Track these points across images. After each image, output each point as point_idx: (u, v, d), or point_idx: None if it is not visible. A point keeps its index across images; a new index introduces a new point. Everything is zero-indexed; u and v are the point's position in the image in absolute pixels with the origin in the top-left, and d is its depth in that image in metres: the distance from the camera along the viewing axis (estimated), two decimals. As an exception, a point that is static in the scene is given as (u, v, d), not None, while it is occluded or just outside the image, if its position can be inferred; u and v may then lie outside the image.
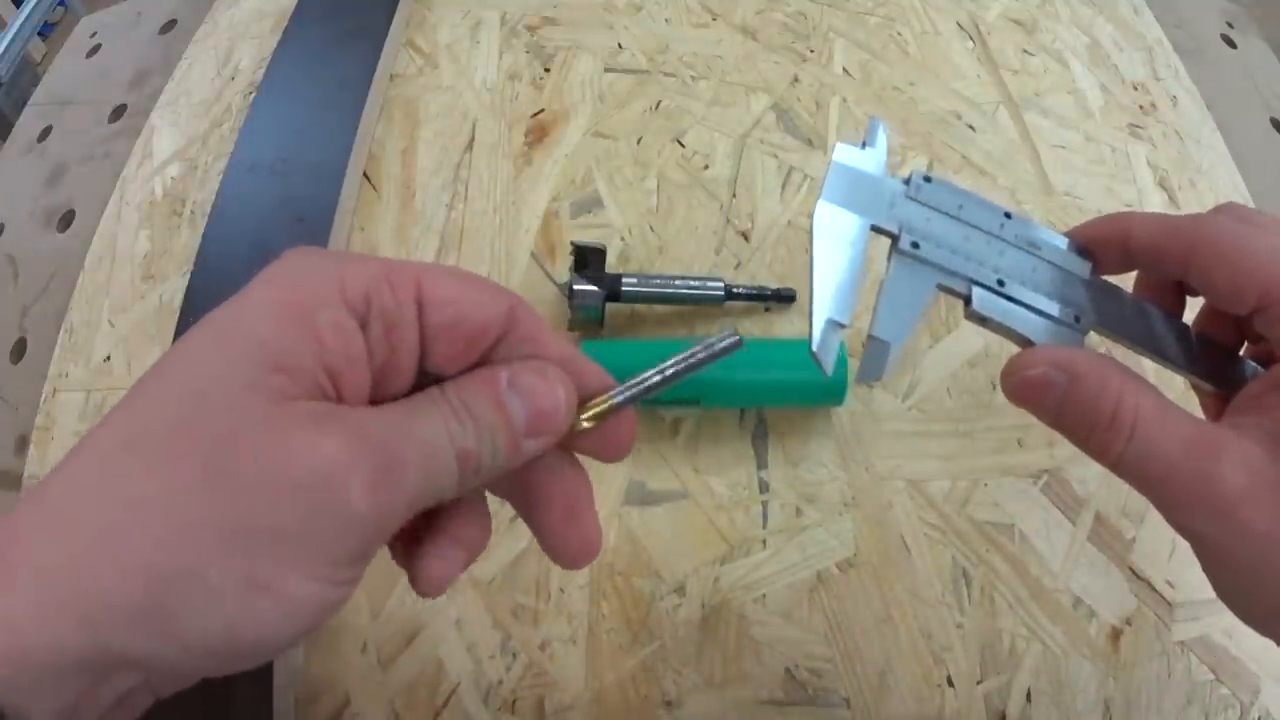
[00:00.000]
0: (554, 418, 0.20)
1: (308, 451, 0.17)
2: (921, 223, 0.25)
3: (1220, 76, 0.56)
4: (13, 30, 1.02)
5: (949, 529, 0.37)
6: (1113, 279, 0.26)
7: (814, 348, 0.23)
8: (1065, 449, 0.39)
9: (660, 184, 0.46)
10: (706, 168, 0.47)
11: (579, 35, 0.52)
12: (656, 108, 0.49)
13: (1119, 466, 0.22)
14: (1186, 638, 0.35)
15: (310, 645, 0.35)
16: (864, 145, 0.26)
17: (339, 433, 0.17)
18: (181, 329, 0.41)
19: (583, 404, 0.22)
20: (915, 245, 0.24)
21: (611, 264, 0.42)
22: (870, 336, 0.23)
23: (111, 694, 0.17)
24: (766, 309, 0.42)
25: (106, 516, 0.16)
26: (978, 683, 0.34)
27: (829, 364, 0.23)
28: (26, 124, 0.57)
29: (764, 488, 0.38)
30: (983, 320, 0.24)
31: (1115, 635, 0.35)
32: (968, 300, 0.24)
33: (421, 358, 0.20)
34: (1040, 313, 0.24)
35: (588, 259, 0.39)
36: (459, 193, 0.46)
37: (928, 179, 0.25)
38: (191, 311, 0.41)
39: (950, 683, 0.34)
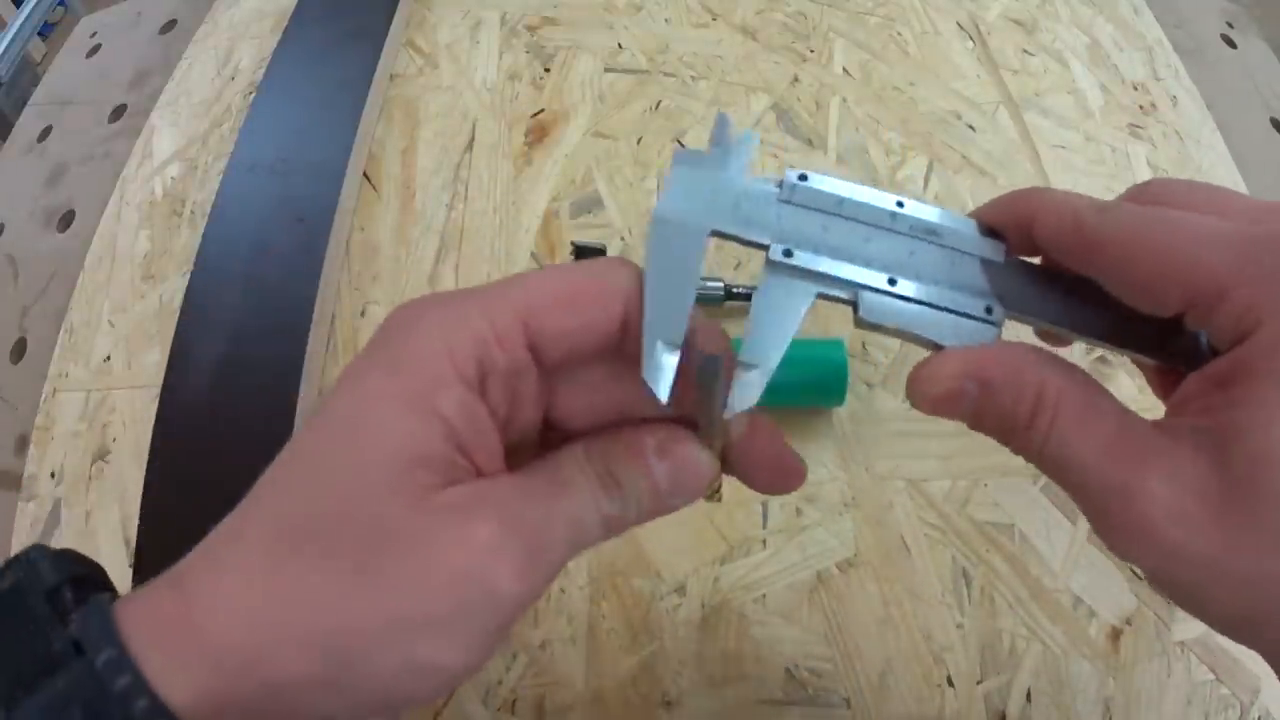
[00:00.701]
0: (699, 479, 0.21)
1: (457, 547, 0.18)
2: (798, 226, 0.22)
3: (1220, 76, 0.56)
4: (13, 30, 1.02)
5: (949, 529, 0.37)
6: None
7: (643, 373, 0.20)
8: (1065, 449, 0.39)
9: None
10: (706, 168, 0.47)
11: (579, 35, 0.52)
12: (656, 108, 0.49)
13: (1044, 468, 0.20)
14: (1186, 638, 0.35)
15: (310, 645, 0.35)
16: (711, 146, 0.23)
17: (485, 521, 0.18)
18: (182, 329, 0.41)
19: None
20: (788, 253, 0.22)
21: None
22: (738, 361, 0.21)
23: None
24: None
25: (280, 606, 0.18)
26: (978, 683, 0.34)
27: (661, 389, 0.20)
28: (26, 124, 0.57)
29: (764, 488, 0.38)
30: (875, 327, 0.22)
31: (1115, 635, 0.35)
32: (855, 307, 0.22)
33: (551, 391, 0.21)
34: (943, 309, 0.22)
35: (588, 259, 0.39)
36: (459, 193, 0.46)
37: (803, 177, 0.23)
38: (191, 311, 0.41)
39: (950, 683, 0.34)
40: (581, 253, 0.39)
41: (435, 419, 0.18)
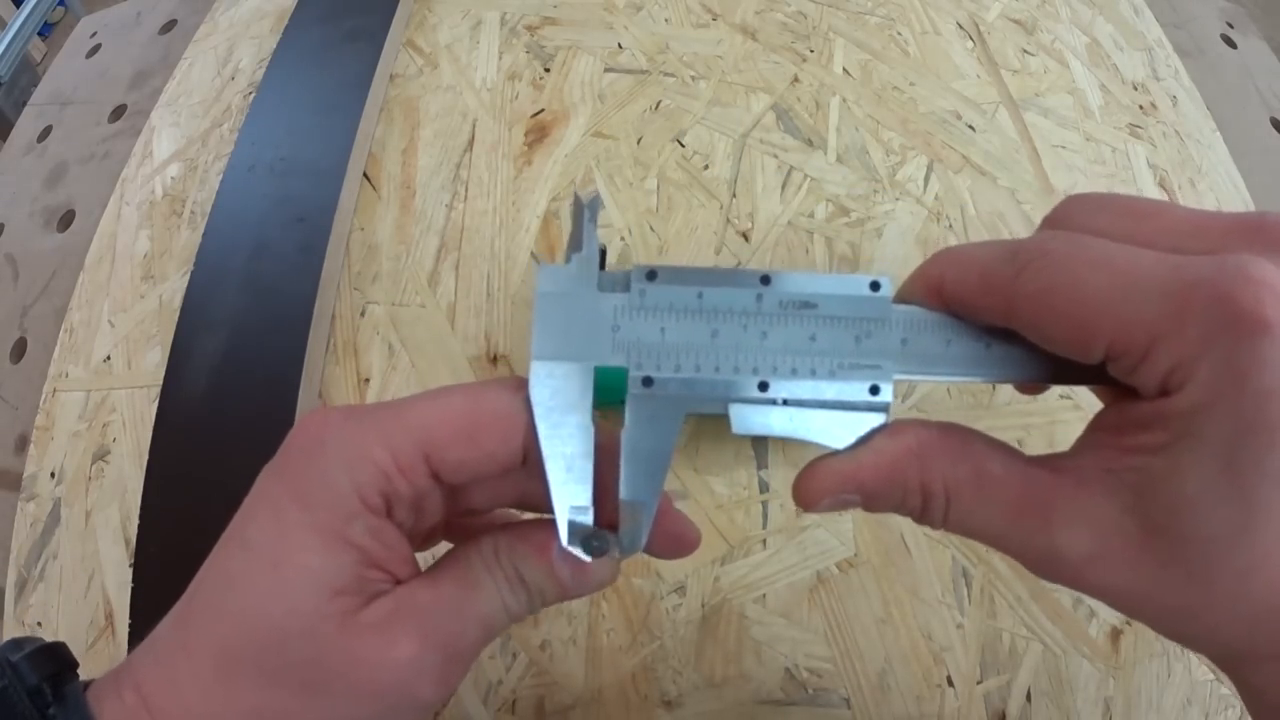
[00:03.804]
0: (601, 575, 0.22)
1: (383, 668, 0.20)
2: (655, 336, 0.20)
3: (1220, 76, 0.56)
4: (13, 30, 1.02)
5: (949, 529, 0.37)
6: None
7: (564, 545, 0.19)
8: (1066, 449, 0.39)
9: (660, 184, 0.46)
10: (706, 168, 0.47)
11: (579, 35, 0.52)
12: (656, 108, 0.49)
13: (955, 532, 0.20)
14: (1186, 638, 0.35)
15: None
16: (569, 255, 0.21)
17: (406, 638, 0.20)
18: (182, 329, 0.41)
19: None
20: (647, 382, 0.20)
21: (611, 264, 0.42)
22: (621, 502, 0.20)
23: None
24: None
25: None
26: (978, 683, 0.34)
27: (585, 560, 0.20)
28: (26, 124, 0.57)
29: (764, 488, 0.38)
30: (756, 438, 0.21)
31: (1115, 635, 0.35)
32: (729, 420, 0.20)
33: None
34: (822, 405, 0.20)
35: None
36: (459, 193, 0.46)
37: (651, 274, 0.20)
38: (191, 311, 0.41)
39: (950, 683, 0.34)
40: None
41: (350, 550, 0.20)
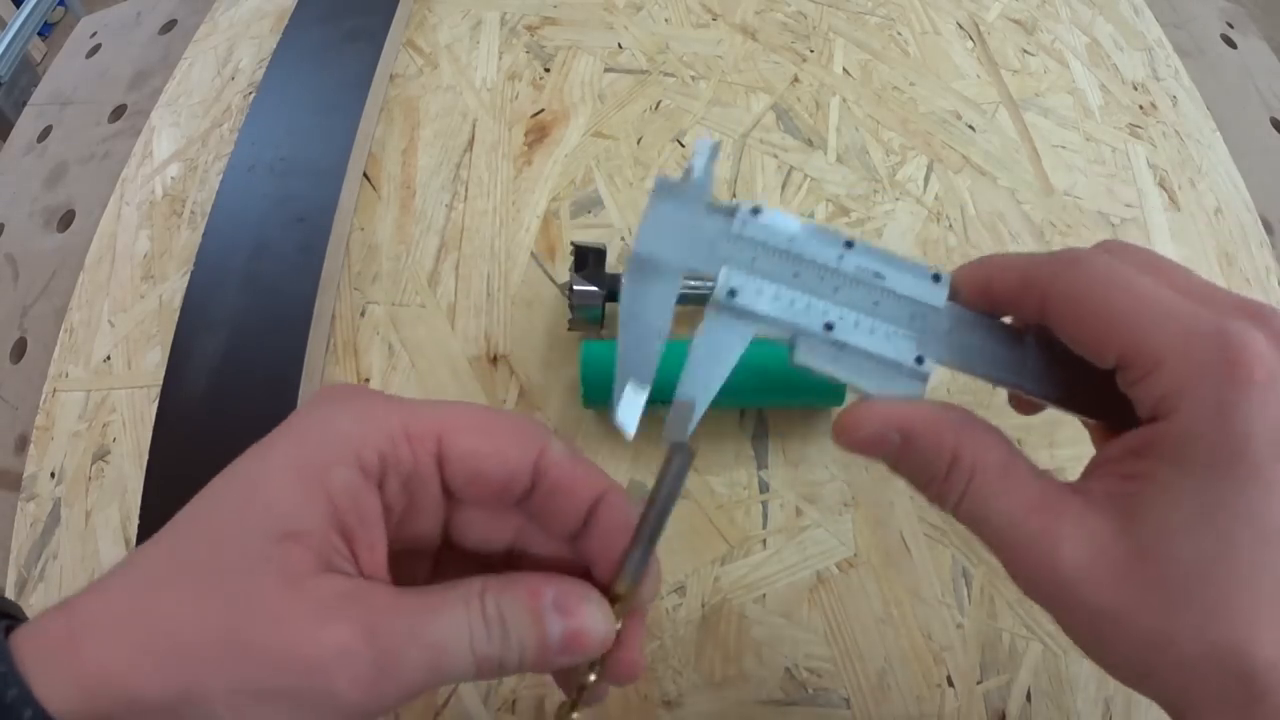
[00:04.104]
0: (591, 642, 0.20)
1: (308, 641, 0.18)
2: (746, 262, 0.22)
3: (1220, 76, 0.56)
4: (13, 30, 1.02)
5: (949, 529, 0.37)
6: None
7: (614, 412, 0.21)
8: (1065, 449, 0.39)
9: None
10: (706, 168, 0.47)
11: (579, 35, 0.52)
12: (656, 108, 0.49)
13: (962, 522, 0.21)
14: (1186, 638, 0.35)
15: (310, 645, 0.35)
16: (686, 175, 0.23)
17: (342, 624, 0.18)
18: (182, 329, 0.41)
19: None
20: (732, 294, 0.22)
21: (611, 264, 0.42)
22: (675, 400, 0.21)
23: None
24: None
25: (144, 626, 0.19)
26: (978, 683, 0.34)
27: (629, 429, 0.20)
28: (26, 124, 0.57)
29: (764, 488, 0.38)
30: (808, 370, 0.22)
31: (1115, 635, 0.35)
32: (792, 349, 0.22)
33: (452, 508, 0.21)
34: (875, 357, 0.22)
35: (588, 259, 0.39)
36: (459, 193, 0.46)
37: (756, 210, 0.22)
38: (191, 311, 0.41)
39: (950, 683, 0.34)
40: (582, 252, 0.39)
41: (320, 495, 0.19)
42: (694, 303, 0.41)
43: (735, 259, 0.22)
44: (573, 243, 0.39)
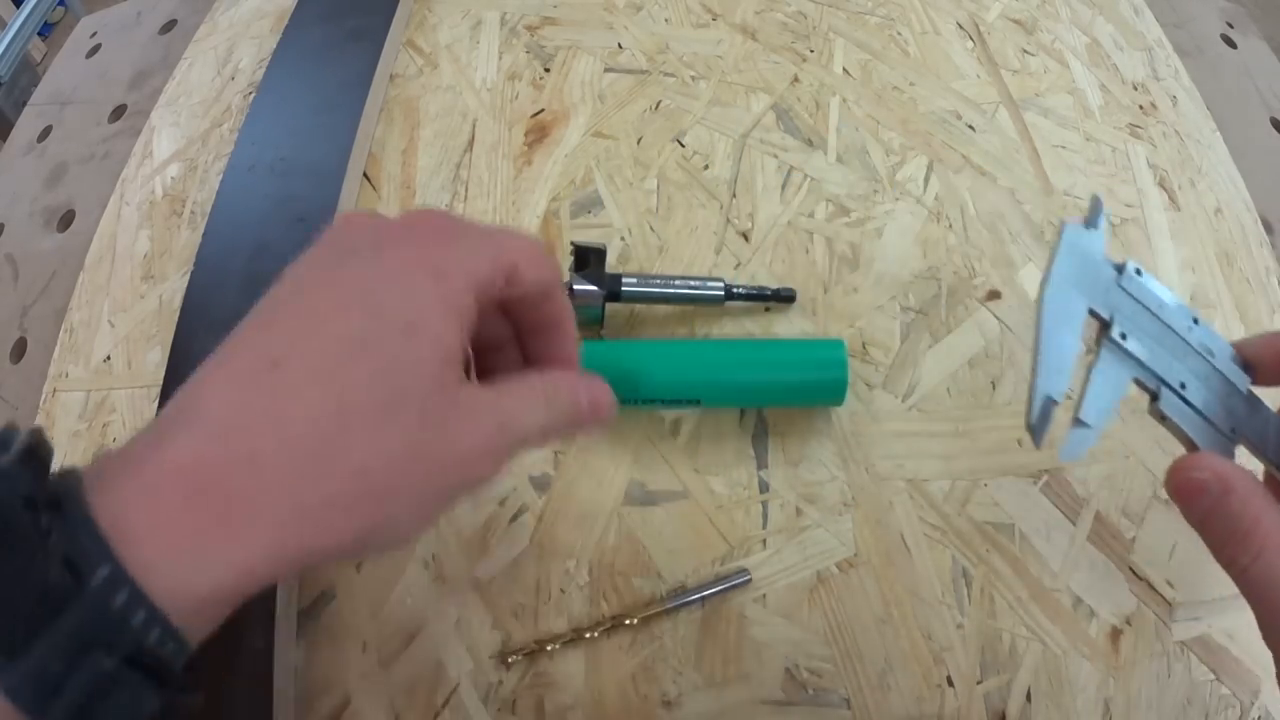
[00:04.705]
0: (607, 409, 0.28)
1: (471, 446, 0.23)
2: (1129, 313, 0.26)
3: (1220, 76, 0.56)
4: (13, 30, 1.02)
5: (949, 529, 0.37)
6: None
7: (1031, 421, 0.24)
8: (1065, 449, 0.39)
9: (660, 184, 0.46)
10: (706, 168, 0.47)
11: (579, 35, 0.52)
12: (656, 108, 0.49)
13: (1241, 582, 0.24)
14: (1186, 638, 0.35)
15: (310, 645, 0.35)
16: (1087, 225, 0.27)
17: (489, 426, 0.23)
18: (182, 329, 0.41)
19: None
20: (1123, 336, 0.25)
21: (611, 264, 0.42)
22: (1076, 420, 0.25)
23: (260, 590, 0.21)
24: (767, 309, 0.42)
25: (335, 482, 0.20)
26: (978, 683, 0.34)
27: (1044, 438, 0.23)
28: (26, 124, 0.57)
29: (764, 488, 0.38)
30: (1162, 419, 0.26)
31: (1115, 635, 0.35)
32: (1154, 398, 0.26)
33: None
34: (1207, 420, 0.26)
35: (588, 259, 0.39)
36: (459, 193, 0.46)
37: (1139, 271, 0.27)
38: (191, 311, 0.41)
39: (950, 683, 0.34)
40: (582, 252, 0.39)
41: (460, 324, 0.23)
42: (685, 302, 0.41)
43: (1122, 309, 0.26)
44: (573, 242, 0.39)
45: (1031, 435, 0.23)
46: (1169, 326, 0.26)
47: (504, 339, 0.29)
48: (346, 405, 0.21)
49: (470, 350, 0.26)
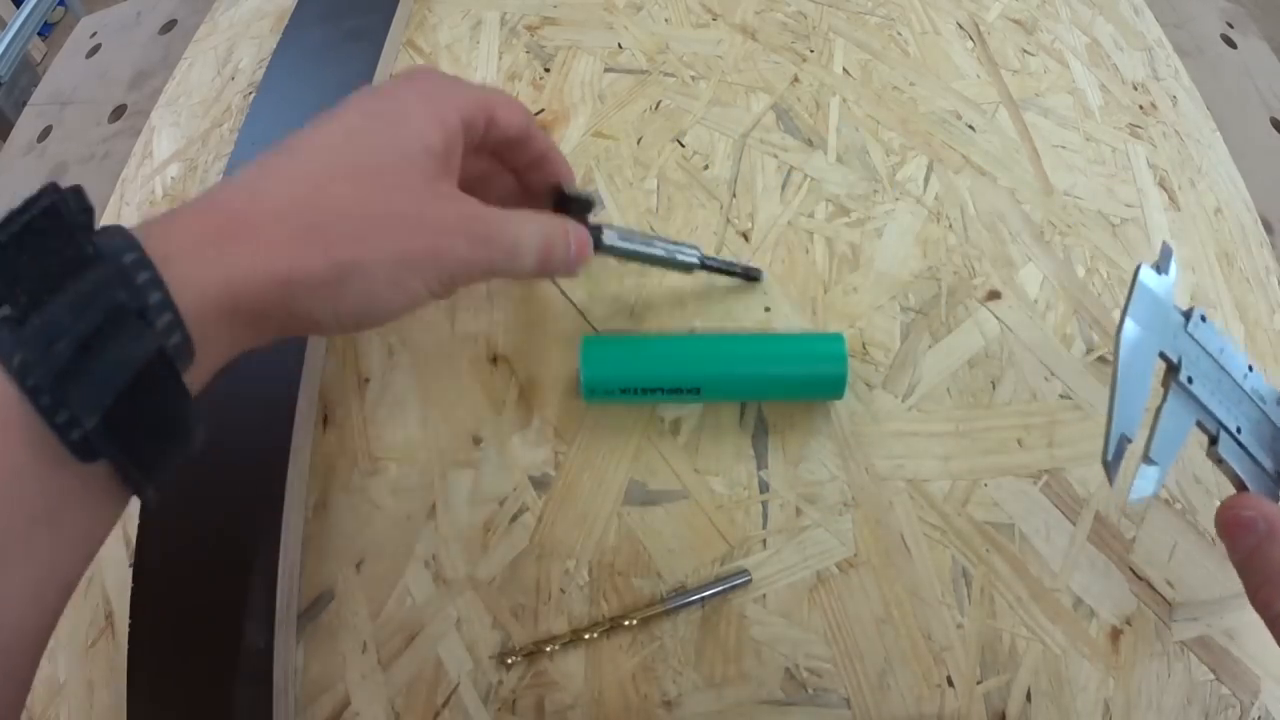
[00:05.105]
0: (586, 249, 0.33)
1: (444, 213, 0.27)
2: (1193, 358, 0.27)
3: (1220, 76, 0.56)
4: (13, 30, 1.02)
5: (949, 529, 0.37)
6: None
7: (1108, 458, 0.25)
8: (1065, 449, 0.39)
9: (660, 184, 0.46)
10: (706, 168, 0.47)
11: (579, 35, 0.52)
12: (656, 108, 0.49)
13: (1275, 627, 0.25)
14: (1186, 638, 0.35)
15: (310, 645, 0.35)
16: (1159, 270, 0.28)
17: (464, 203, 0.28)
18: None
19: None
20: (1190, 380, 0.27)
21: (611, 263, 0.42)
22: (1147, 458, 0.26)
23: (257, 341, 0.25)
24: (766, 309, 0.42)
25: (320, 217, 0.25)
26: (978, 683, 0.34)
27: (1116, 474, 0.25)
28: (26, 124, 0.57)
29: (764, 488, 0.38)
30: (1219, 461, 0.27)
31: (1115, 635, 0.35)
32: (1213, 441, 0.27)
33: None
34: (1259, 465, 0.27)
35: (569, 207, 0.35)
36: (459, 193, 0.46)
37: (1204, 318, 0.28)
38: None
39: (950, 683, 0.34)
40: (563, 198, 0.35)
41: (443, 130, 0.28)
42: (661, 264, 0.39)
43: (1189, 354, 0.27)
44: (559, 187, 0.36)
45: (1107, 472, 0.24)
46: (1227, 372, 0.28)
47: (504, 191, 0.35)
48: (336, 167, 0.26)
49: (459, 170, 0.30)
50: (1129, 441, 0.25)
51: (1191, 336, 0.27)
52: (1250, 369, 0.28)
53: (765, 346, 0.38)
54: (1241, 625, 0.36)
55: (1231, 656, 0.35)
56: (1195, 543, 0.37)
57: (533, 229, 0.30)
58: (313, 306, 0.24)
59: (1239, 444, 0.27)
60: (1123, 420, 0.25)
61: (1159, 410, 0.26)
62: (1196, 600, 0.36)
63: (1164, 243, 0.29)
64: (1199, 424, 0.27)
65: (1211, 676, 0.35)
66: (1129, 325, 0.26)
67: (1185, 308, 0.28)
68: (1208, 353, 0.28)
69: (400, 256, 0.25)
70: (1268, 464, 0.28)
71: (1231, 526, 0.27)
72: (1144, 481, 0.26)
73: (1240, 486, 0.28)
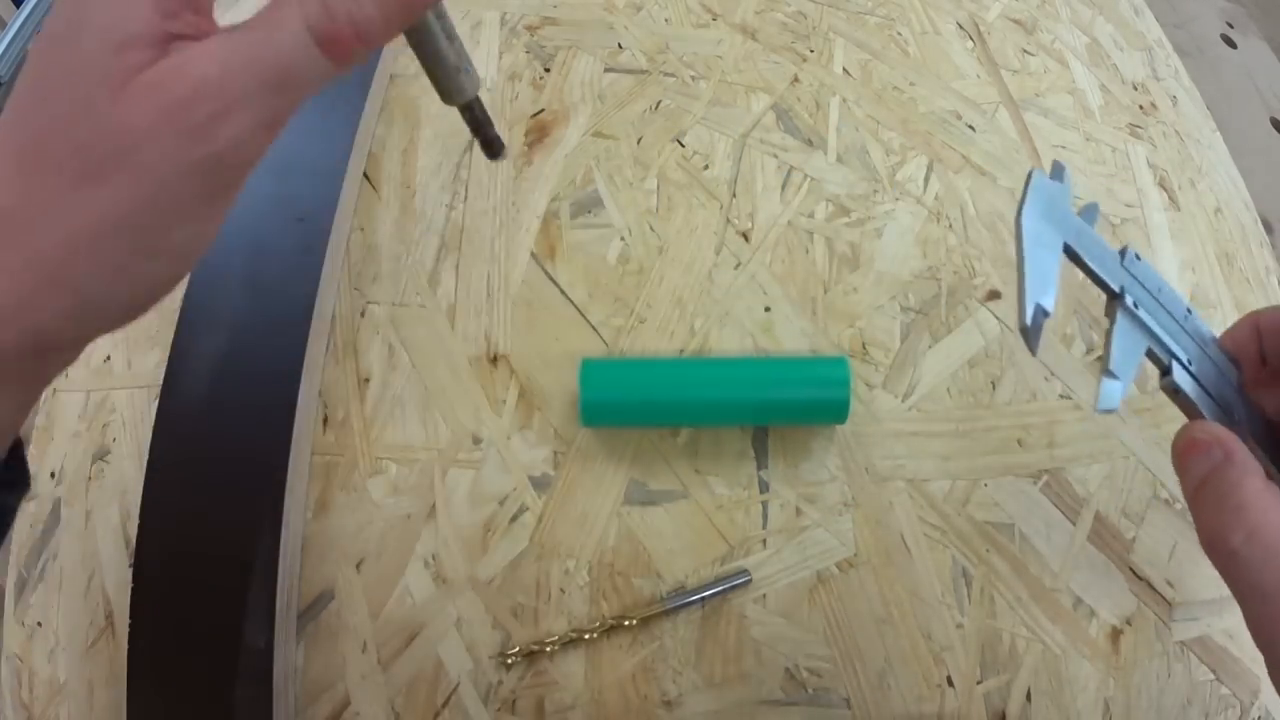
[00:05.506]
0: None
1: (120, 119, 0.19)
2: (1136, 292, 0.27)
3: (1220, 76, 0.56)
4: (13, 30, 1.02)
5: (949, 529, 0.37)
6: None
7: (1026, 324, 0.24)
8: (1065, 449, 0.39)
9: (660, 184, 0.46)
10: (706, 168, 0.47)
11: (579, 35, 0.52)
12: (656, 108, 0.49)
13: (1229, 567, 0.23)
14: (1186, 638, 0.35)
15: (310, 645, 0.35)
16: (1052, 178, 0.28)
17: (153, 108, 0.19)
18: (182, 329, 0.41)
19: None
20: (1136, 305, 0.27)
21: (611, 263, 0.42)
22: (1107, 372, 0.26)
23: (47, 378, 0.20)
24: (766, 309, 0.42)
25: (21, 235, 0.19)
26: (978, 683, 0.34)
27: (1036, 344, 0.24)
28: (26, 124, 0.57)
29: (764, 488, 0.38)
30: (1175, 392, 0.27)
31: (1115, 635, 0.35)
32: (1165, 371, 0.27)
33: None
34: (1214, 399, 0.27)
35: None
36: (459, 193, 0.46)
37: (1138, 256, 0.28)
38: (191, 311, 0.41)
39: (950, 683, 0.34)
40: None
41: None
42: (428, 57, 0.28)
43: (1130, 286, 0.27)
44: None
45: (1025, 338, 0.24)
46: (1168, 312, 0.27)
47: None
48: (19, 151, 0.19)
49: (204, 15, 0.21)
50: (1045, 313, 0.24)
51: (1129, 272, 0.27)
52: (1189, 311, 0.28)
53: (767, 374, 0.38)
54: (1241, 625, 0.36)
55: (1231, 656, 0.35)
56: (1195, 543, 0.37)
57: (297, 30, 0.21)
58: (68, 330, 0.20)
59: (1191, 375, 0.27)
60: (1035, 291, 0.24)
61: (1109, 331, 0.26)
62: (1196, 600, 0.36)
63: (1054, 161, 0.29)
64: (1150, 355, 0.27)
65: (1211, 676, 0.35)
66: (1027, 212, 0.26)
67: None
68: (1146, 289, 0.27)
69: (113, 240, 0.19)
70: (1219, 397, 0.28)
71: (1186, 450, 0.25)
72: (1108, 395, 0.25)
73: (1196, 418, 0.27)
